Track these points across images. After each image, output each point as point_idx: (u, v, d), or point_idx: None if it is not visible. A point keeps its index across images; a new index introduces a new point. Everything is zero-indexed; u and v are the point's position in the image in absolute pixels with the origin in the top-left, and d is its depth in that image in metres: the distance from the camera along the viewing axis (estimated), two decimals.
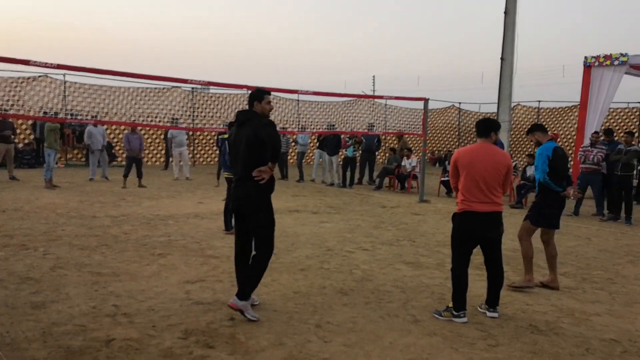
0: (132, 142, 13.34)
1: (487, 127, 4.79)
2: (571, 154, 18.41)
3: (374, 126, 19.64)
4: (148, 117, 18.89)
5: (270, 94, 4.74)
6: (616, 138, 12.57)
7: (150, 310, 4.48)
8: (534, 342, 4.15)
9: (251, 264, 4.57)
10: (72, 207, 9.74)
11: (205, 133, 21.28)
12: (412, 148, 15.79)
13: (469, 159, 4.68)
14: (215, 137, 18.95)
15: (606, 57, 13.41)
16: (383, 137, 24.58)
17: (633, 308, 5.09)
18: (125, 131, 14.60)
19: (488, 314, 4.71)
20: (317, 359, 3.69)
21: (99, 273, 5.53)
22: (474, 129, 5.00)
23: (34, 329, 3.94)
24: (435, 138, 26.80)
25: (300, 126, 17.35)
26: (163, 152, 20.02)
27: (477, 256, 5.03)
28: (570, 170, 17.31)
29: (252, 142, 4.43)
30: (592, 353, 3.97)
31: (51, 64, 7.45)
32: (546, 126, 22.41)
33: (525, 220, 5.78)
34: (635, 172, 10.93)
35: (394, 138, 24.10)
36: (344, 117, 22.05)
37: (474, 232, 4.67)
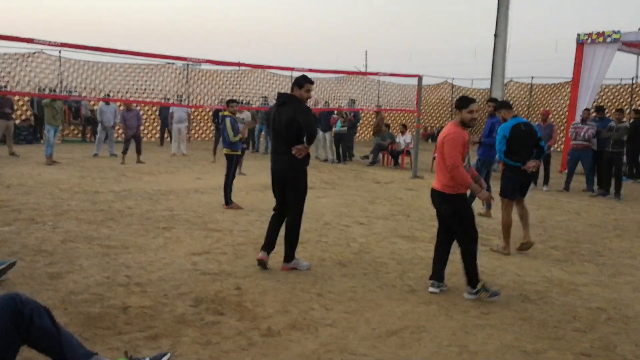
0: (129, 121, 13.41)
1: (455, 105, 4.77)
2: (563, 130, 18.66)
3: (355, 102, 19.69)
4: (144, 93, 18.99)
5: (312, 83, 5.26)
6: (608, 115, 12.79)
7: (161, 280, 4.71)
8: (524, 309, 4.42)
9: (286, 229, 5.27)
10: (74, 182, 9.90)
11: (200, 109, 21.31)
12: (406, 124, 15.94)
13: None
14: (211, 114, 18.99)
15: (599, 34, 13.56)
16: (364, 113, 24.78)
17: (619, 279, 5.37)
18: (121, 108, 14.62)
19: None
20: (320, 324, 3.93)
21: (108, 245, 5.74)
22: None
23: (54, 297, 4.16)
24: (428, 114, 26.95)
25: None
26: (158, 128, 20.06)
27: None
28: (562, 145, 17.58)
29: (290, 123, 5.02)
30: (578, 320, 4.24)
31: (54, 42, 7.54)
32: (539, 102, 22.47)
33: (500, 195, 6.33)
34: (625, 148, 11.17)
35: (386, 115, 24.30)
36: (337, 93, 22.19)
37: (433, 205, 4.85)
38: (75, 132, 19.58)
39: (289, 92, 5.34)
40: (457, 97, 4.94)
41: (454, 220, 4.66)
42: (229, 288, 4.61)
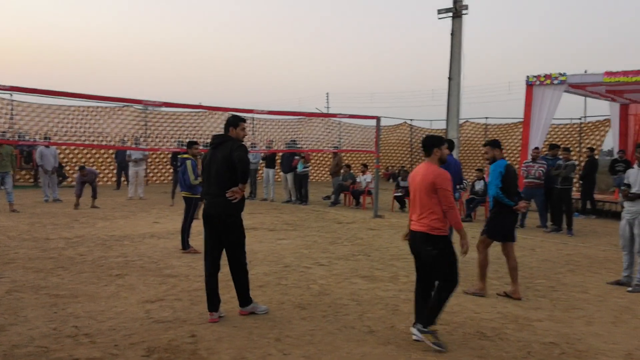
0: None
1: (425, 145, 4.64)
2: (517, 168, 19.21)
3: (295, 142, 19.76)
4: (99, 136, 18.67)
5: (245, 121, 5.19)
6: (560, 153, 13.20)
7: (112, 330, 4.54)
8: (481, 347, 4.43)
9: (235, 277, 5.08)
10: (23, 229, 9.56)
11: (159, 152, 21.09)
12: (367, 164, 16.11)
13: (411, 178, 4.75)
14: (170, 156, 18.80)
15: (546, 76, 14.15)
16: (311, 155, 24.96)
17: (572, 313, 5.47)
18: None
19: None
20: None
21: (57, 295, 5.52)
22: None
23: None
24: (389, 154, 27.38)
25: (251, 144, 17.48)
26: (115, 171, 19.71)
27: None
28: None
29: (226, 164, 4.86)
30: (533, 356, 4.28)
31: (3, 85, 7.40)
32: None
33: (483, 234, 6.20)
34: (577, 185, 11.54)
35: (348, 155, 24.57)
36: (298, 135, 22.32)
37: (412, 250, 4.68)
38: (27, 177, 19.04)
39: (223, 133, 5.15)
40: (425, 137, 4.76)
41: (437, 262, 4.44)
42: (183, 336, 4.47)
